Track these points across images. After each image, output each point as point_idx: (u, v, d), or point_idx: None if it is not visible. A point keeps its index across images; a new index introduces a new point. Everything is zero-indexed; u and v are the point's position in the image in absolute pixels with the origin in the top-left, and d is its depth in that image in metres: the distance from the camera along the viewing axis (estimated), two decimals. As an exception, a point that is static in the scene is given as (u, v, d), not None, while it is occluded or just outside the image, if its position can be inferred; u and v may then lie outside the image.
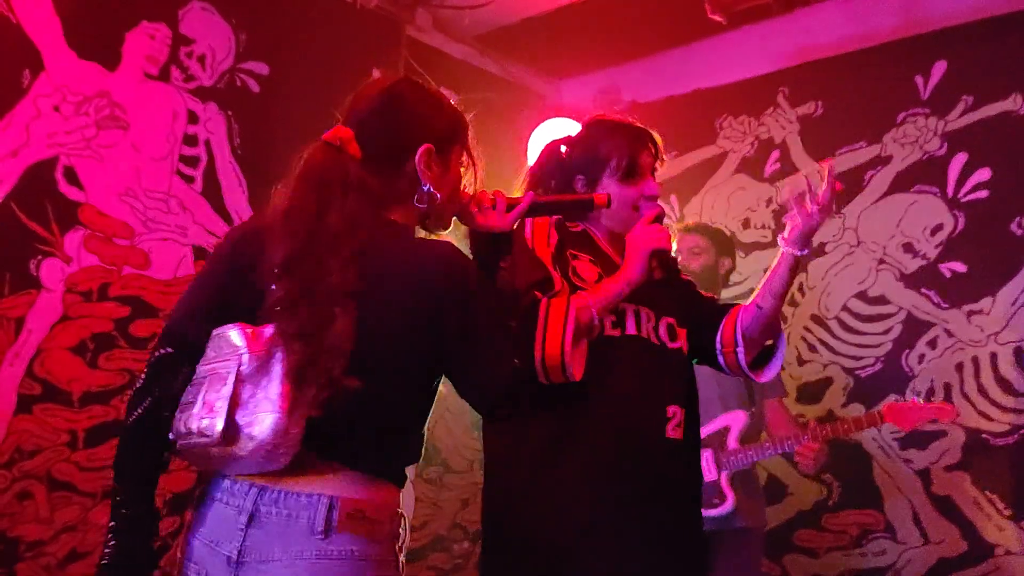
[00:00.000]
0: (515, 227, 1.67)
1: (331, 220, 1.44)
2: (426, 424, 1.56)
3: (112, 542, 1.37)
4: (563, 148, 2.02)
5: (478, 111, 4.45)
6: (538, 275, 1.80)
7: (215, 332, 1.41)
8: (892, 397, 3.32)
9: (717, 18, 3.55)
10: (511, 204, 1.64)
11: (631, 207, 1.93)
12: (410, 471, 4.24)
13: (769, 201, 3.82)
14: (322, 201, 1.45)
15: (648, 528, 1.79)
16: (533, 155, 3.93)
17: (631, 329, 1.84)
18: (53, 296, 2.80)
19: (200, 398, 1.37)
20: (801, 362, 3.60)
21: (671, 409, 1.83)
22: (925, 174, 3.45)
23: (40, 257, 2.78)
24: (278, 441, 1.32)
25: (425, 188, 1.54)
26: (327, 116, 3.54)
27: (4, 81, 2.74)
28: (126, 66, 3.03)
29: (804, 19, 3.78)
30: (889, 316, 3.46)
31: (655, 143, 1.99)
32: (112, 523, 1.38)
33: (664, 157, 2.03)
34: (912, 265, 3.44)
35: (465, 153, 1.65)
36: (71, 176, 2.87)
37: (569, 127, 4.04)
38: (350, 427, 1.41)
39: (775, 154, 3.83)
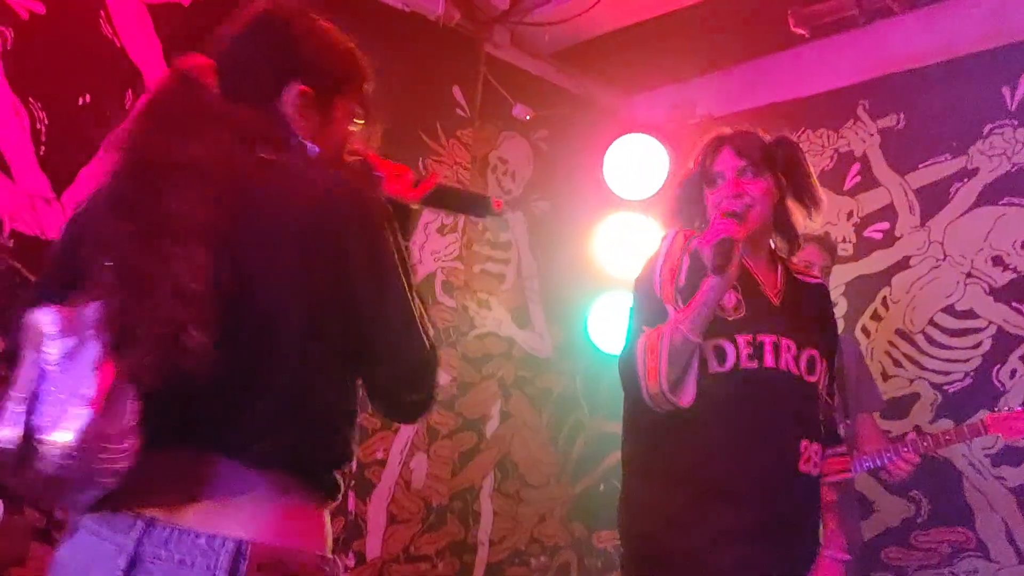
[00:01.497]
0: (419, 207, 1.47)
1: (175, 152, 1.14)
2: (354, 413, 1.23)
3: None
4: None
5: (555, 126, 4.49)
6: (652, 312, 1.84)
7: (24, 320, 1.10)
8: (983, 412, 3.25)
9: (800, 31, 3.54)
10: (416, 181, 1.45)
11: (718, 213, 1.89)
12: (487, 486, 4.24)
13: (850, 215, 3.78)
14: (163, 132, 1.17)
15: (769, 552, 1.79)
16: (608, 170, 3.97)
17: (769, 362, 1.83)
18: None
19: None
20: (886, 377, 3.55)
21: (803, 444, 1.82)
22: (1014, 186, 3.39)
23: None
24: (91, 447, 1.00)
25: (296, 138, 1.24)
26: (410, 131, 3.62)
27: (110, 102, 2.84)
28: (221, 85, 3.12)
29: (884, 30, 3.74)
30: (978, 330, 3.39)
31: (735, 145, 1.94)
32: None
33: (752, 153, 1.94)
34: (1002, 279, 3.38)
35: (360, 107, 1.34)
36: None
37: (644, 142, 4.07)
38: (234, 404, 1.11)
39: (855, 167, 3.80)
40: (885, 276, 3.60)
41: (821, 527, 1.92)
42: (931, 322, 3.50)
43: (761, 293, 1.91)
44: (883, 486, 3.43)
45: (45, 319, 1.07)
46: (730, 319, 1.81)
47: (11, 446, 1.01)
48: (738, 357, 1.80)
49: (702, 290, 1.75)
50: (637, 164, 3.95)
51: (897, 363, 3.55)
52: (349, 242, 1.16)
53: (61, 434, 1.00)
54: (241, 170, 1.16)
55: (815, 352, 1.89)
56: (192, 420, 1.09)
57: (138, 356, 1.03)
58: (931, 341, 3.50)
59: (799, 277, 2.03)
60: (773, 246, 2.01)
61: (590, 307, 4.01)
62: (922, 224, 3.56)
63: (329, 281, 1.14)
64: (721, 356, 1.81)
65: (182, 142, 1.15)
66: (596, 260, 4.02)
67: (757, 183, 1.91)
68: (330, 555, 1.18)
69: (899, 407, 3.50)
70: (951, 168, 3.54)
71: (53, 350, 1.04)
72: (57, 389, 1.02)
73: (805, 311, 1.93)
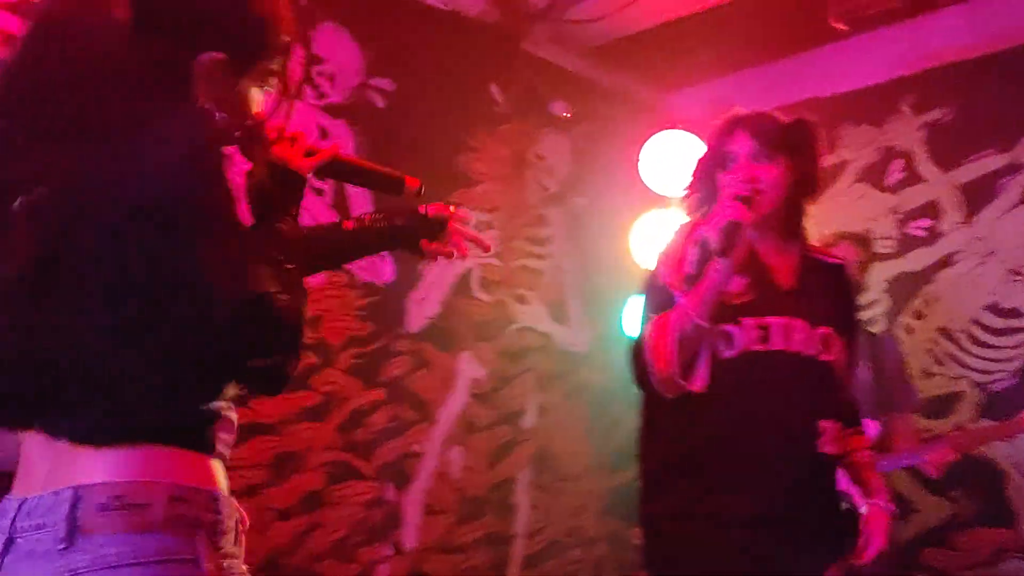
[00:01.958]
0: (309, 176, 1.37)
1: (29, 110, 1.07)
2: (195, 372, 1.09)
3: None
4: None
5: (593, 122, 4.49)
6: (658, 301, 1.84)
7: None
8: (1025, 411, 3.20)
9: (840, 26, 3.51)
10: (312, 151, 1.36)
11: (727, 197, 1.86)
12: (524, 478, 4.26)
13: (892, 211, 3.73)
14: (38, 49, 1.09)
15: (790, 533, 1.79)
16: (646, 166, 3.97)
17: (778, 343, 1.83)
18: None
19: None
20: (928, 375, 3.50)
21: (823, 424, 1.82)
22: (1063, 182, 3.33)
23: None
24: None
25: (198, 104, 1.16)
26: (448, 128, 3.66)
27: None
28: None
29: (928, 23, 3.68)
30: (1023, 329, 3.34)
31: (749, 127, 1.91)
32: None
33: (766, 135, 1.90)
34: (1049, 276, 3.32)
35: (271, 74, 1.25)
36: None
37: (681, 138, 4.06)
38: (57, 383, 1.04)
39: (898, 163, 3.75)
40: (928, 273, 3.56)
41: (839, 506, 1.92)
42: (975, 320, 3.45)
43: (770, 277, 1.89)
44: (923, 486, 3.39)
45: None
46: (736, 303, 1.80)
47: None
48: (746, 340, 1.80)
49: (708, 274, 1.75)
50: (675, 160, 3.94)
51: (939, 361, 3.51)
52: (151, 193, 1.03)
53: None
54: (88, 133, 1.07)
55: (830, 330, 1.87)
56: (29, 403, 1.06)
57: None
58: (974, 339, 3.45)
59: (817, 257, 2.01)
60: (787, 227, 1.99)
61: (627, 302, 4.01)
62: (967, 220, 3.51)
63: (135, 239, 1.03)
64: (729, 341, 1.81)
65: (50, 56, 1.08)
66: (633, 256, 4.03)
67: (770, 167, 1.88)
68: (212, 489, 1.09)
69: (941, 406, 3.46)
70: (997, 163, 3.49)
71: None
72: None
73: (821, 290, 1.90)
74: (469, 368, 3.64)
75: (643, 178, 4.02)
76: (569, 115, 4.00)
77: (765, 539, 1.76)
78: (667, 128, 4.01)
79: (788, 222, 1.96)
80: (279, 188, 1.30)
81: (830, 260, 2.03)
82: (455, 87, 3.63)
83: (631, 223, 4.09)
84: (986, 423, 3.32)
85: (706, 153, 2.00)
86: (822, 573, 1.85)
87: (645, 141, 4.01)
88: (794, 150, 1.93)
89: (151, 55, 1.11)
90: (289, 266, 1.17)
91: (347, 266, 3.32)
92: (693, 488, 1.81)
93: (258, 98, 1.24)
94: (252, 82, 1.23)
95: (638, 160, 4.01)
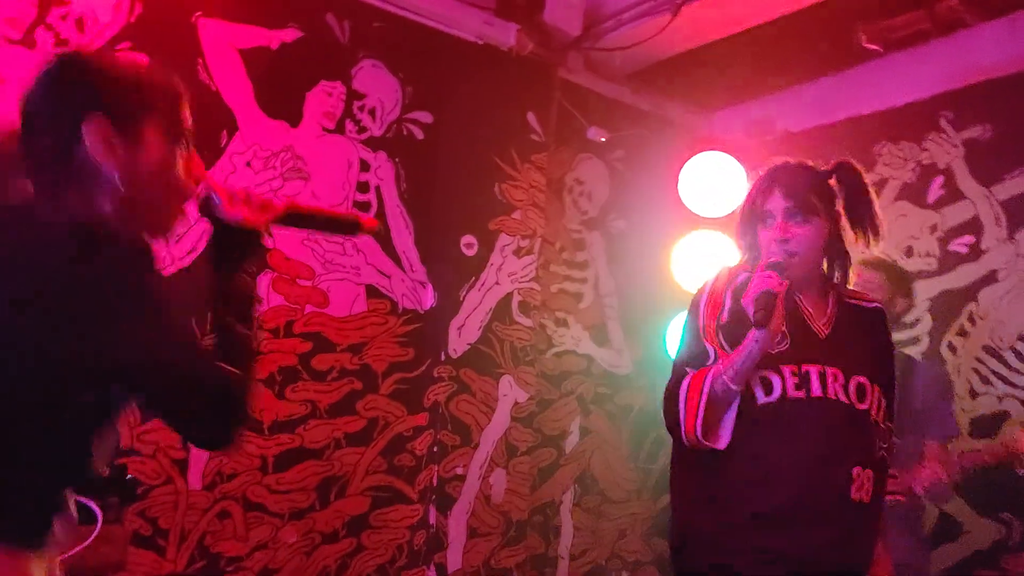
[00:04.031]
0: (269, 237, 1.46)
1: None
2: (51, 465, 1.20)
3: None
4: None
5: (631, 146, 4.54)
6: (694, 349, 1.88)
7: None
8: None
9: (873, 47, 3.50)
10: (266, 204, 1.42)
11: (761, 266, 1.87)
12: (567, 500, 4.32)
13: (933, 228, 3.69)
14: None
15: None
16: (685, 188, 4.00)
17: (816, 391, 1.84)
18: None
19: None
20: (974, 395, 3.45)
21: (856, 470, 1.83)
22: (1107, 196, 3.26)
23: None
24: None
25: (104, 170, 1.22)
26: (486, 158, 3.75)
27: (206, 142, 3.07)
28: (307, 122, 3.32)
29: (965, 40, 3.65)
30: (1071, 346, 3.27)
31: (784, 185, 1.92)
32: None
33: (797, 193, 1.90)
34: (1095, 292, 3.25)
35: (174, 127, 1.30)
36: (262, 225, 3.16)
37: (720, 160, 4.08)
38: None
39: (939, 180, 3.71)
40: (971, 291, 3.51)
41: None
42: (1020, 337, 3.39)
43: (807, 325, 1.92)
44: (973, 508, 3.34)
45: None
46: (773, 352, 1.83)
47: None
48: (784, 387, 1.82)
49: (746, 342, 1.77)
50: (714, 182, 3.96)
51: (985, 380, 3.45)
52: (61, 283, 1.14)
53: None
54: None
55: (864, 379, 1.88)
56: None
57: None
58: (1021, 357, 3.39)
59: (853, 303, 2.01)
60: (826, 274, 2.01)
61: (668, 324, 4.04)
62: (1010, 237, 3.46)
63: (36, 328, 1.13)
64: (768, 387, 1.83)
65: None
66: (674, 277, 4.05)
67: (805, 227, 1.90)
68: None
69: (988, 425, 3.40)
70: (1039, 178, 3.43)
71: None
72: None
73: (855, 338, 1.92)
74: (511, 392, 3.70)
75: (683, 199, 4.04)
76: (606, 140, 4.05)
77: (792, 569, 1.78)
78: (706, 150, 4.03)
79: (830, 272, 1.99)
80: (235, 247, 1.37)
81: (865, 305, 2.04)
82: (492, 117, 3.72)
83: (671, 244, 4.11)
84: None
85: (744, 207, 2.02)
86: None
87: (684, 163, 4.03)
88: (833, 201, 1.94)
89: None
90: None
91: (389, 294, 3.42)
92: (723, 530, 1.84)
93: (173, 154, 1.30)
94: (154, 137, 1.27)
95: (677, 182, 4.04)
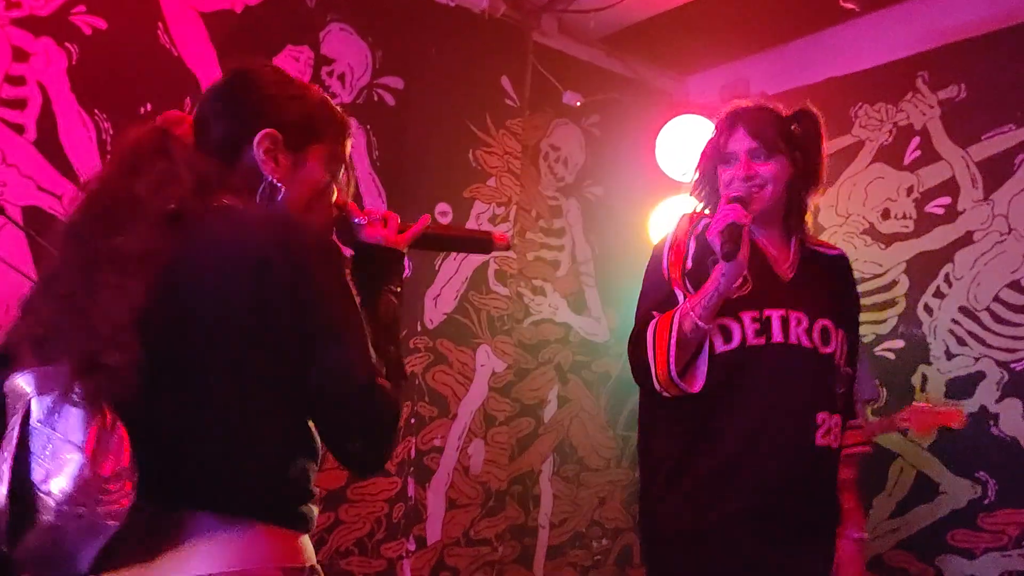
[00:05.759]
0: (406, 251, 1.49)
1: (129, 194, 1.20)
2: (307, 451, 1.23)
3: None
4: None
5: (607, 111, 4.47)
6: (660, 295, 1.85)
7: (4, 388, 1.13)
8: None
9: (850, 6, 3.46)
10: (404, 227, 1.48)
11: (726, 198, 1.88)
12: (546, 469, 4.29)
13: (910, 190, 3.68)
14: (125, 176, 1.23)
15: (787, 526, 1.79)
16: (662, 153, 3.95)
17: (777, 337, 1.83)
18: None
19: None
20: (950, 356, 3.46)
21: (820, 416, 1.82)
22: (1083, 155, 3.26)
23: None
24: (89, 490, 1.00)
25: (267, 179, 1.29)
26: (459, 124, 3.68)
27: (170, 109, 2.96)
28: (274, 88, 3.22)
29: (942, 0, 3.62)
30: (1046, 306, 3.28)
31: (748, 124, 1.91)
32: None
33: (761, 134, 1.91)
34: (1071, 252, 3.26)
35: (336, 157, 1.38)
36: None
37: (697, 123, 4.03)
38: (177, 452, 1.13)
39: (915, 141, 3.70)
40: (947, 252, 3.51)
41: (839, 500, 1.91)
42: (996, 298, 3.40)
43: (770, 269, 1.90)
44: (950, 468, 3.37)
45: (21, 381, 1.09)
46: (734, 296, 1.80)
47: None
48: (744, 335, 1.80)
49: (713, 276, 1.75)
50: (691, 146, 3.92)
51: (961, 341, 3.46)
52: (283, 278, 1.16)
53: (58, 482, 1.02)
54: (190, 215, 1.21)
55: (828, 322, 1.87)
56: (143, 473, 1.08)
57: (65, 379, 1.05)
58: (996, 318, 3.40)
59: (816, 249, 2.01)
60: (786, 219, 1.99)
61: (646, 291, 4.01)
62: (985, 198, 3.46)
63: (261, 318, 1.15)
64: (727, 335, 1.81)
65: (138, 185, 1.21)
66: (651, 243, 4.02)
67: (768, 164, 1.89)
68: (304, 566, 1.20)
69: (964, 386, 3.42)
70: (1015, 139, 3.42)
71: (36, 409, 1.06)
72: (47, 443, 1.04)
73: (819, 282, 1.91)
74: (488, 361, 3.67)
75: (660, 165, 4.00)
76: (581, 103, 3.99)
77: (764, 533, 1.77)
78: (682, 114, 3.99)
79: (789, 216, 1.96)
80: (375, 268, 1.42)
81: (829, 252, 2.02)
82: (465, 82, 3.65)
83: (649, 210, 4.07)
84: (1010, 403, 3.27)
85: (707, 147, 2.01)
86: (821, 566, 1.85)
87: (661, 127, 3.98)
88: (794, 144, 1.93)
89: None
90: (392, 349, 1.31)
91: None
92: (692, 484, 1.82)
93: (328, 179, 1.37)
94: (316, 160, 1.35)
95: (654, 147, 3.99)
